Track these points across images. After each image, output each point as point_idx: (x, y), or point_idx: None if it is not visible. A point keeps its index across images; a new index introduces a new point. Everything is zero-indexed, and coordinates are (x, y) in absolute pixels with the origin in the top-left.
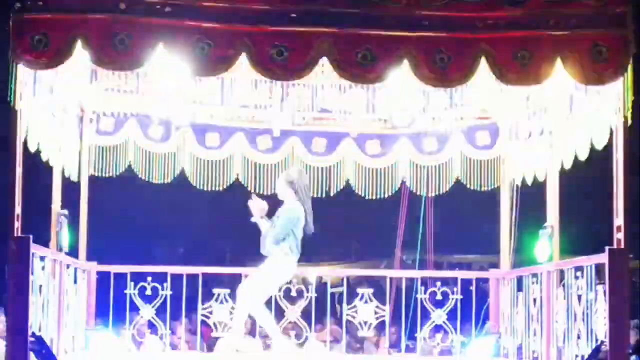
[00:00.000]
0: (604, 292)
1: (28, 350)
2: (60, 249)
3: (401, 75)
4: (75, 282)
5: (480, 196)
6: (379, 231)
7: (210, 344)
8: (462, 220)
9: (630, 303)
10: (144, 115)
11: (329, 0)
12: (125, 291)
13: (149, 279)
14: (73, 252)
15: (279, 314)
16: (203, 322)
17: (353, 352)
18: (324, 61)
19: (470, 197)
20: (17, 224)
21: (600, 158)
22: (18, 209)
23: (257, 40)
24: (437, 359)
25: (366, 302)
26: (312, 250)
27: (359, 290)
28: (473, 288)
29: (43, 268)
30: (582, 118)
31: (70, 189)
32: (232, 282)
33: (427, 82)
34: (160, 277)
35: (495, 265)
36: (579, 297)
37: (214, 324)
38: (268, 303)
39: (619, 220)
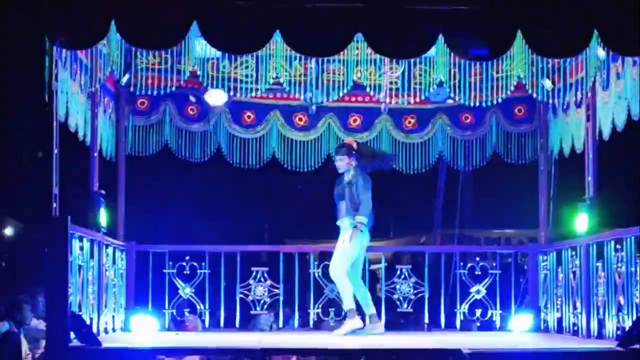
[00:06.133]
0: None
1: (68, 329)
2: (98, 229)
3: (436, 49)
4: (114, 262)
5: (518, 169)
6: (417, 206)
7: (248, 321)
8: (500, 194)
9: None
10: (180, 94)
11: None
12: (164, 270)
13: (187, 258)
14: (111, 232)
15: (319, 291)
16: (241, 300)
17: (394, 329)
18: (359, 37)
19: (508, 170)
20: (55, 205)
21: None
22: (56, 190)
23: (291, 16)
24: (477, 334)
25: (405, 278)
26: None
27: (398, 267)
28: (512, 262)
29: (81, 248)
30: (619, 89)
31: (108, 169)
32: (270, 260)
33: (462, 56)
34: (198, 256)
35: (535, 239)
36: (619, 269)
37: (252, 301)
38: (307, 280)
39: None
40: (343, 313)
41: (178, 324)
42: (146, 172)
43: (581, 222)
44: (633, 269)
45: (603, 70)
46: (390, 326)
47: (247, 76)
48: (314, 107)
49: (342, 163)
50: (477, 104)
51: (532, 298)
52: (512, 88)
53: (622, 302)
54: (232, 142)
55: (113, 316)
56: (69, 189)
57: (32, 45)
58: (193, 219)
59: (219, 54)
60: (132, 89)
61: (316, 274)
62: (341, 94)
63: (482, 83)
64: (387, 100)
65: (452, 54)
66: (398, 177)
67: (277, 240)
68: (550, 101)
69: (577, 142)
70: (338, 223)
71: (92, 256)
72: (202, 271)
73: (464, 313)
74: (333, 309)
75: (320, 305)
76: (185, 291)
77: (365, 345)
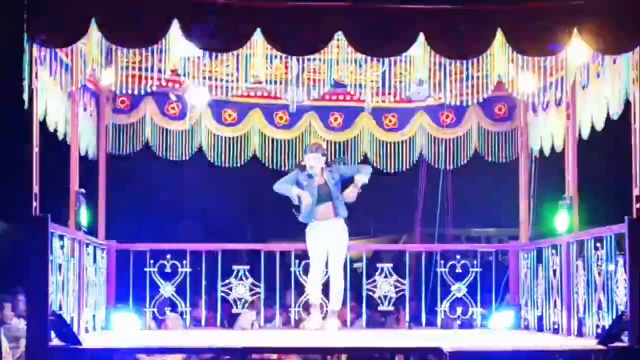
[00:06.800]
0: (624, 262)
1: (48, 328)
2: (79, 228)
3: (417, 48)
4: (94, 260)
5: (499, 168)
6: (398, 205)
7: (230, 320)
8: (480, 193)
9: None
10: (160, 92)
11: None
12: (145, 269)
13: (169, 256)
14: (92, 231)
15: (300, 289)
16: (223, 298)
17: (375, 327)
18: (340, 35)
19: (489, 169)
20: (35, 204)
21: (619, 128)
22: (36, 189)
23: (272, 15)
24: (458, 332)
25: (386, 276)
26: None
27: (379, 265)
28: (492, 261)
29: (62, 247)
30: (599, 88)
31: (88, 167)
32: (252, 258)
33: (443, 54)
34: (179, 255)
35: (515, 237)
36: (599, 267)
37: (234, 300)
38: (288, 278)
39: (637, 189)
40: (325, 310)
41: (159, 323)
42: (127, 171)
43: (561, 220)
44: (613, 267)
45: (583, 69)
46: (371, 324)
47: (227, 75)
48: (294, 106)
49: (317, 162)
50: (458, 102)
51: (512, 296)
52: (493, 87)
53: (602, 300)
54: (213, 140)
55: (94, 315)
56: (49, 188)
57: (12, 44)
58: (174, 218)
59: (199, 52)
60: (112, 87)
61: (297, 273)
62: (322, 93)
63: (462, 82)
64: (369, 99)
65: (432, 53)
66: (379, 175)
67: (259, 239)
68: (531, 100)
69: (557, 140)
70: (326, 223)
71: (72, 255)
72: (183, 270)
73: (444, 311)
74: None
75: (301, 304)
76: (166, 289)
77: (346, 344)
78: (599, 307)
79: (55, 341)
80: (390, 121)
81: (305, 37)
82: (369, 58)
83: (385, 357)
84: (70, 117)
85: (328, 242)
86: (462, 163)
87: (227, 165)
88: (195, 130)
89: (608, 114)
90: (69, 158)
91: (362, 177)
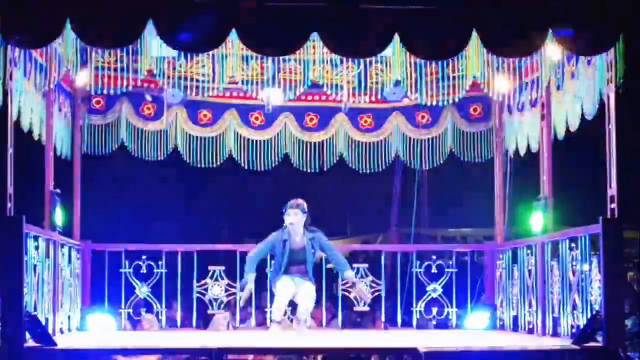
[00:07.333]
0: (599, 262)
1: (23, 330)
2: (53, 229)
3: (393, 49)
4: (69, 261)
5: (474, 168)
6: (374, 205)
7: (205, 321)
8: (456, 193)
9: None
10: (135, 93)
11: None
12: (120, 270)
13: (144, 257)
14: (67, 231)
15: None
16: (198, 299)
17: (351, 327)
18: (315, 36)
19: (465, 169)
20: (10, 204)
21: (594, 128)
22: (10, 189)
23: (247, 15)
24: (433, 332)
25: (362, 277)
26: None
27: (355, 265)
28: (468, 261)
29: (37, 247)
30: (573, 89)
31: (63, 168)
32: (227, 259)
33: (418, 55)
34: (155, 255)
35: (490, 237)
36: (574, 268)
37: (209, 300)
38: (264, 279)
39: (612, 190)
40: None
41: (135, 324)
42: (102, 171)
43: (536, 220)
44: (587, 267)
45: (558, 70)
46: (347, 325)
47: (203, 75)
48: (270, 106)
49: (298, 218)
50: (433, 103)
51: (488, 296)
52: (468, 87)
53: (576, 300)
54: (188, 141)
55: (69, 316)
56: (24, 189)
57: None
58: (149, 218)
59: (175, 52)
60: (87, 87)
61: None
62: (297, 93)
63: (438, 82)
64: (346, 99)
65: (408, 53)
66: (355, 176)
67: (234, 239)
68: (506, 100)
69: (532, 141)
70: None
71: (47, 256)
72: (158, 270)
73: (420, 311)
74: (289, 308)
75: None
76: (142, 290)
77: (322, 344)
78: (574, 307)
79: (30, 342)
80: (365, 121)
81: (280, 38)
82: (344, 59)
83: (361, 358)
84: (45, 118)
85: (297, 285)
86: (437, 163)
87: (202, 165)
88: (170, 131)
89: (582, 114)
90: (44, 158)
91: (352, 273)
